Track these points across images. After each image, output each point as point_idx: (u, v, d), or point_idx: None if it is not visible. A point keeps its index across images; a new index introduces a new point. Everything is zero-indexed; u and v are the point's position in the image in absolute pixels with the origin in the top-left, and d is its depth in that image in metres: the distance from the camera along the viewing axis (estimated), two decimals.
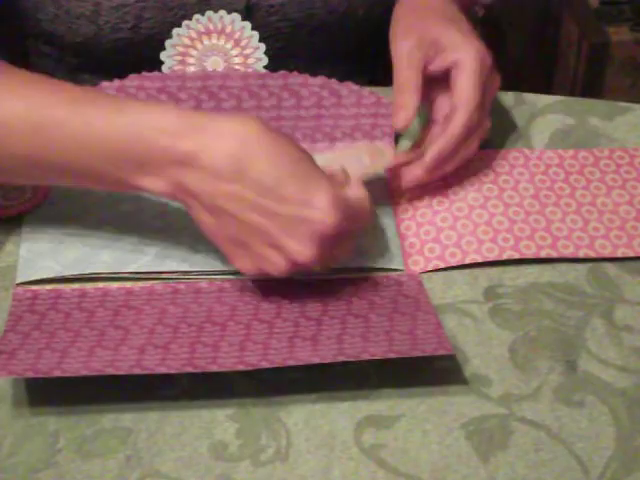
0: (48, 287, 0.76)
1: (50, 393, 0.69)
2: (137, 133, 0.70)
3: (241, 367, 0.67)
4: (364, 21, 0.91)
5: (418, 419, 0.69)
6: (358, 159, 0.83)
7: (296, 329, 0.72)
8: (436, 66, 0.83)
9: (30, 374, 0.66)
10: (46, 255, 0.78)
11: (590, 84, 1.74)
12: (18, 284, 0.76)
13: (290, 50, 0.91)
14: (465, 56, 0.82)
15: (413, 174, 0.82)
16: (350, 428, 0.68)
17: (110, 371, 0.67)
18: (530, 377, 0.72)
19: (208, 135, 0.69)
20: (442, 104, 0.84)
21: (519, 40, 1.82)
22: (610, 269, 0.80)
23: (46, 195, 0.81)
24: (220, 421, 0.68)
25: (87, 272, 0.77)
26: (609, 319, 0.76)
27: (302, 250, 0.70)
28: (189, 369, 0.67)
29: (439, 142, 0.81)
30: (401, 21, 0.86)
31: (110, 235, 0.79)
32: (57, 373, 0.66)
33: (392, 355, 0.68)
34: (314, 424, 0.68)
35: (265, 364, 0.67)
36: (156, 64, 0.90)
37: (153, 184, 0.71)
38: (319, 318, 0.73)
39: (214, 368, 0.67)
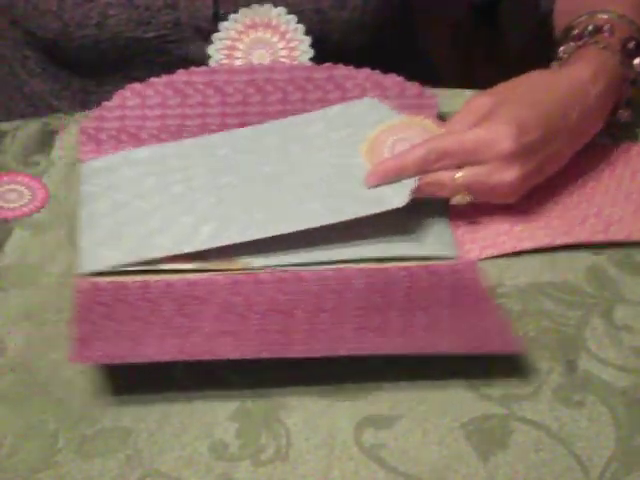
0: (108, 279, 0.76)
1: (50, 393, 0.69)
2: None
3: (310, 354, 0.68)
4: (338, 49, 0.91)
5: (418, 419, 0.69)
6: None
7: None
8: None
9: (106, 360, 0.68)
10: (105, 244, 0.78)
11: None
12: (81, 275, 0.76)
13: None
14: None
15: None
16: (350, 428, 0.68)
17: (183, 357, 0.68)
18: (530, 377, 0.72)
19: None
20: None
21: (519, 39, 1.82)
22: (610, 269, 0.80)
23: (45, 200, 0.82)
24: (220, 421, 0.68)
25: (147, 258, 0.77)
26: (609, 319, 0.76)
27: None
28: (265, 354, 0.68)
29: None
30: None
31: (163, 219, 0.80)
32: (131, 359, 0.67)
33: (454, 350, 0.70)
34: (314, 424, 0.68)
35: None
36: (129, 64, 0.92)
37: None
38: (364, 307, 0.74)
39: (290, 354, 0.69)
